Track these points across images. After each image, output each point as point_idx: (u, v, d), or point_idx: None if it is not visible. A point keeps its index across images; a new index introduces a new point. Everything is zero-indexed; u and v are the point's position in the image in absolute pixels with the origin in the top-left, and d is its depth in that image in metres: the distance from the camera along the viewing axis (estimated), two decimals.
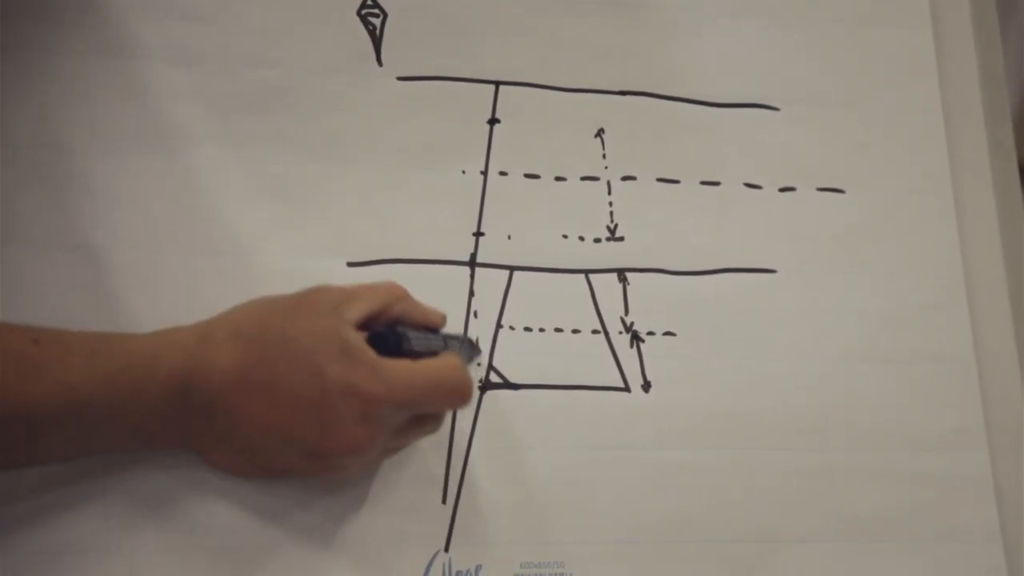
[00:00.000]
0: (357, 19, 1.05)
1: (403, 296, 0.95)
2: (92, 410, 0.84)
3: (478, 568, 0.98)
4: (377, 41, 1.05)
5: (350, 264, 1.01)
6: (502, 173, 1.06)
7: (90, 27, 0.98)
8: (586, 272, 1.06)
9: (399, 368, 0.90)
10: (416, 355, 0.92)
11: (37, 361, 0.82)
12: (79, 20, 0.98)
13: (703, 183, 1.10)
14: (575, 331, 1.05)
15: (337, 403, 0.88)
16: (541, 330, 1.04)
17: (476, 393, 0.96)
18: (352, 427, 0.89)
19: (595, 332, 1.05)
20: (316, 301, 0.91)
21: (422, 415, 0.94)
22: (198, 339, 0.89)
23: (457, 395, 0.93)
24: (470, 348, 0.99)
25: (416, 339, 0.93)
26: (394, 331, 0.92)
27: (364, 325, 0.92)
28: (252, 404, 0.89)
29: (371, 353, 0.90)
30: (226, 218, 0.99)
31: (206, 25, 1.01)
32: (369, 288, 0.94)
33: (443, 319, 0.97)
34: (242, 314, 0.92)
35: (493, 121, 1.07)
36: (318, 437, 0.89)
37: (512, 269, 1.05)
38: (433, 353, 0.93)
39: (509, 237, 1.05)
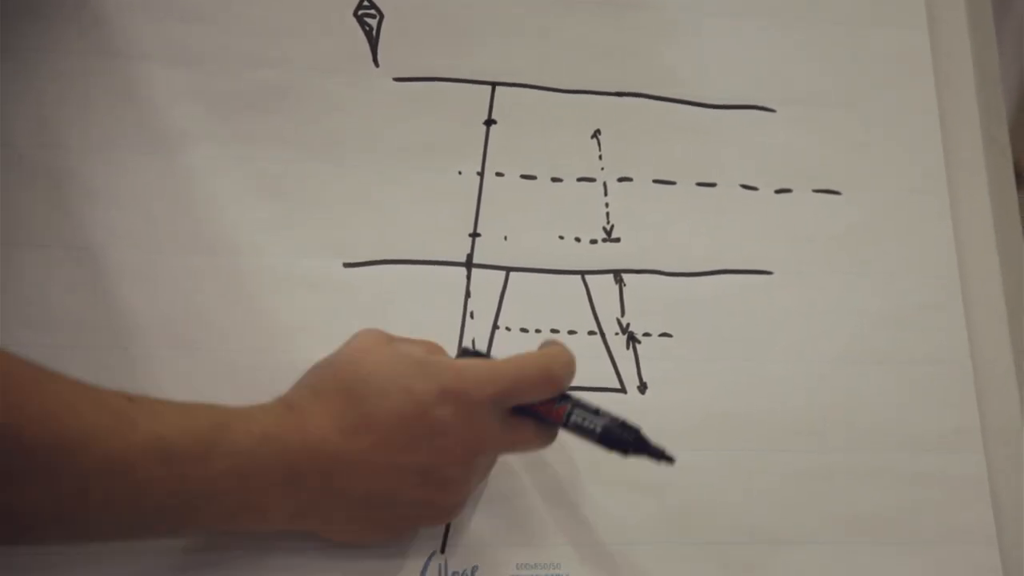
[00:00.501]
0: (354, 20, 1.05)
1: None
2: (187, 464, 0.83)
3: (474, 569, 0.98)
4: (374, 42, 1.05)
5: (346, 264, 1.01)
6: (498, 174, 1.06)
7: (88, 26, 0.98)
8: (582, 273, 1.06)
9: (480, 363, 0.92)
10: None
11: (132, 415, 0.81)
12: (77, 19, 0.98)
13: (699, 184, 1.10)
14: (571, 332, 1.05)
15: (436, 412, 0.89)
16: (537, 331, 1.04)
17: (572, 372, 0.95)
18: (458, 432, 0.89)
19: (591, 333, 1.05)
20: (367, 340, 0.92)
21: (531, 426, 0.94)
22: (282, 408, 0.89)
23: (547, 378, 0.92)
24: None
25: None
26: (628, 427, 0.93)
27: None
28: (357, 447, 0.88)
29: (447, 359, 0.91)
30: (222, 218, 0.99)
31: (203, 25, 1.01)
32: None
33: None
34: (310, 379, 0.91)
35: (490, 122, 1.07)
36: (429, 455, 0.89)
37: (508, 270, 1.05)
38: None
39: (505, 238, 1.05)
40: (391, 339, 0.93)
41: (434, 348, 0.96)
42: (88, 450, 0.79)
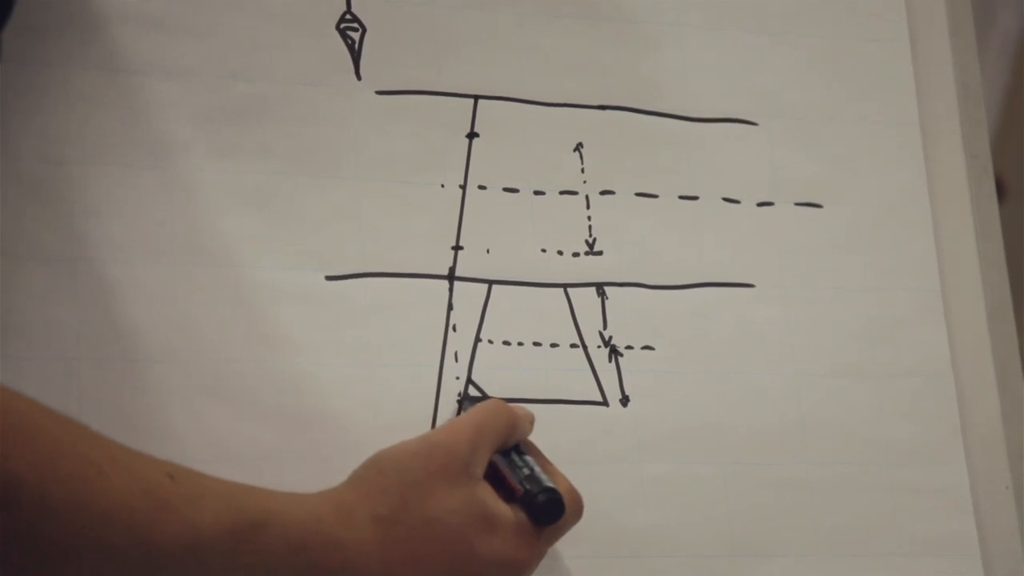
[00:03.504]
0: (336, 33, 1.05)
1: (513, 423, 0.96)
2: (215, 556, 0.80)
3: None
4: (356, 55, 1.05)
5: (328, 278, 1.01)
6: (481, 187, 1.06)
7: (78, 40, 0.98)
8: (565, 286, 1.06)
9: (546, 528, 0.92)
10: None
11: (169, 496, 0.78)
12: (69, 32, 0.98)
13: (681, 197, 1.10)
14: (553, 345, 1.05)
15: (492, 575, 0.89)
16: (520, 344, 1.04)
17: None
18: None
19: (573, 346, 1.05)
20: (448, 465, 0.89)
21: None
22: (335, 512, 0.86)
23: (579, 516, 0.96)
24: None
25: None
26: (559, 500, 0.93)
27: None
28: None
29: (511, 516, 0.90)
30: (206, 230, 0.98)
31: (189, 38, 1.01)
32: (487, 427, 0.93)
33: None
34: (375, 489, 0.88)
35: (472, 135, 1.07)
36: None
37: (491, 283, 1.05)
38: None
39: (488, 251, 1.05)
40: (469, 458, 0.90)
41: (509, 421, 0.95)
42: (113, 525, 0.75)
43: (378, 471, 0.90)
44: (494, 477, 0.93)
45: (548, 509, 0.92)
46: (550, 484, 0.93)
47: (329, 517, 0.85)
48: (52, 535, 0.73)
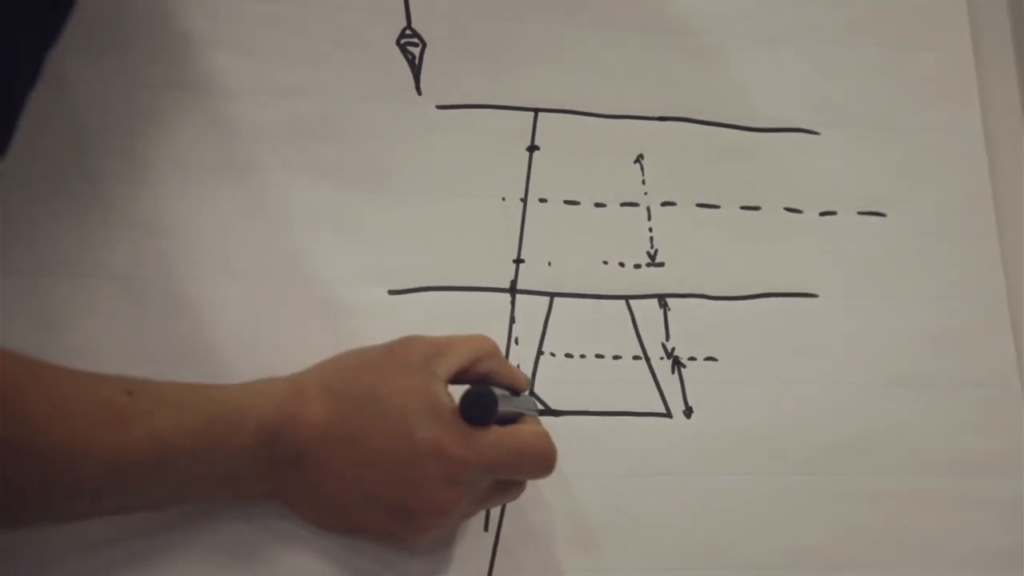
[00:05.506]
0: (396, 49, 1.05)
1: (493, 352, 0.96)
2: (180, 461, 0.85)
3: None
4: (416, 70, 1.05)
5: (391, 292, 1.01)
6: (542, 200, 1.06)
7: (132, 59, 0.99)
8: (627, 298, 1.06)
9: (488, 433, 0.90)
10: (501, 418, 0.92)
11: (129, 412, 0.83)
12: (122, 52, 0.98)
13: (743, 208, 1.10)
14: (616, 357, 1.05)
15: (426, 464, 0.89)
16: (582, 356, 1.04)
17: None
18: (439, 489, 0.90)
19: (636, 358, 1.05)
20: (408, 355, 0.92)
21: (506, 481, 0.94)
22: (289, 392, 0.89)
23: (544, 463, 0.93)
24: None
25: (504, 400, 0.93)
26: (490, 394, 0.91)
27: (453, 379, 0.92)
28: (340, 459, 0.89)
29: (457, 412, 0.90)
30: (267, 247, 0.99)
31: (248, 56, 1.01)
32: (460, 341, 0.95)
33: (527, 382, 0.98)
34: (333, 367, 0.92)
35: (532, 148, 1.07)
36: (404, 496, 0.90)
37: (552, 295, 1.05)
38: (516, 416, 0.94)
39: (549, 264, 1.05)
40: (431, 356, 0.92)
41: (484, 345, 0.96)
42: (86, 455, 0.80)
43: (342, 356, 0.93)
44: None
45: (474, 402, 0.90)
46: (492, 390, 0.92)
47: (287, 400, 0.89)
48: (30, 477, 0.78)
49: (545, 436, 0.93)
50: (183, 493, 0.88)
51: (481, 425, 0.90)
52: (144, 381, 0.86)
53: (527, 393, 0.98)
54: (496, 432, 0.91)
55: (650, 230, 1.08)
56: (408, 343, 0.93)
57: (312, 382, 0.90)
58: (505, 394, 0.94)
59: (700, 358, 1.06)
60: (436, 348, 0.93)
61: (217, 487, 0.89)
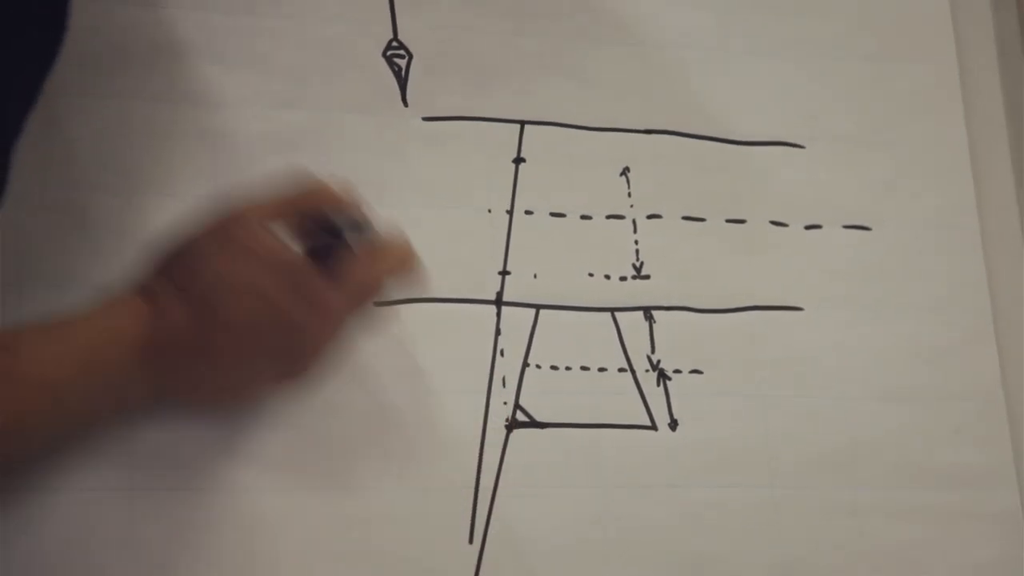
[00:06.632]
0: (383, 61, 1.05)
1: (318, 189, 0.95)
2: (74, 397, 0.87)
3: None
4: (403, 82, 1.05)
5: (377, 303, 1.01)
6: (528, 212, 1.06)
7: (120, 70, 0.99)
8: (612, 310, 1.06)
9: (353, 273, 0.91)
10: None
11: (10, 368, 0.84)
12: (108, 62, 0.99)
13: (729, 221, 1.10)
14: (601, 369, 1.05)
15: (302, 323, 0.89)
16: (567, 368, 1.04)
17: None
18: (318, 335, 0.91)
19: (621, 370, 1.05)
20: (235, 232, 0.90)
21: None
22: (146, 302, 0.89)
23: (406, 267, 0.94)
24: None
25: (352, 238, 0.93)
26: (338, 238, 0.92)
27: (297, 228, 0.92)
28: (219, 348, 0.89)
29: (316, 269, 0.90)
30: None
31: (234, 68, 1.01)
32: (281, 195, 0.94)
33: (357, 206, 0.96)
34: (167, 265, 0.91)
35: (518, 160, 1.07)
36: (280, 350, 0.90)
37: (538, 307, 1.05)
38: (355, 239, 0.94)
39: (535, 276, 1.05)
40: (261, 221, 0.91)
41: (307, 192, 0.94)
42: None
43: (168, 251, 0.91)
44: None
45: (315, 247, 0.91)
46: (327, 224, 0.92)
47: (141, 307, 0.89)
48: None
49: (389, 250, 0.93)
50: (73, 425, 0.90)
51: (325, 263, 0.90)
52: (12, 332, 0.87)
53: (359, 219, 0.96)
54: (358, 270, 0.91)
55: (636, 243, 1.08)
56: (231, 216, 0.91)
57: (161, 289, 0.89)
58: (350, 221, 0.93)
59: (685, 371, 1.06)
60: (263, 212, 0.91)
61: (113, 411, 0.90)
